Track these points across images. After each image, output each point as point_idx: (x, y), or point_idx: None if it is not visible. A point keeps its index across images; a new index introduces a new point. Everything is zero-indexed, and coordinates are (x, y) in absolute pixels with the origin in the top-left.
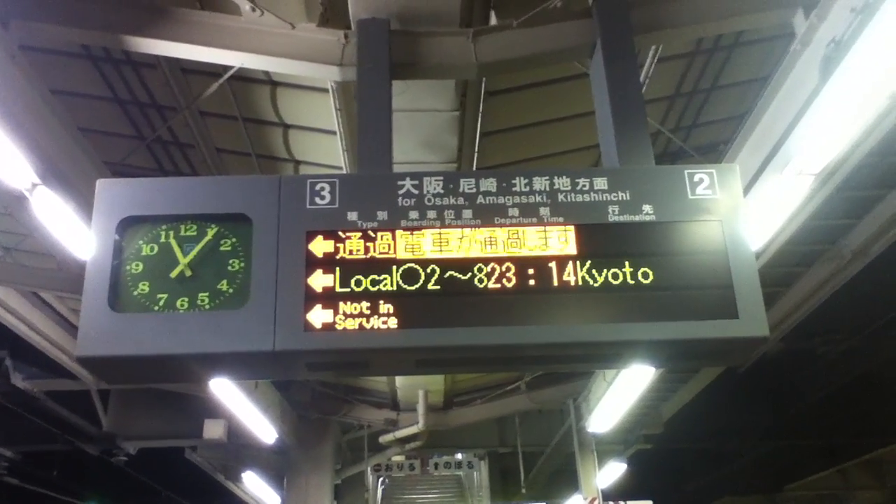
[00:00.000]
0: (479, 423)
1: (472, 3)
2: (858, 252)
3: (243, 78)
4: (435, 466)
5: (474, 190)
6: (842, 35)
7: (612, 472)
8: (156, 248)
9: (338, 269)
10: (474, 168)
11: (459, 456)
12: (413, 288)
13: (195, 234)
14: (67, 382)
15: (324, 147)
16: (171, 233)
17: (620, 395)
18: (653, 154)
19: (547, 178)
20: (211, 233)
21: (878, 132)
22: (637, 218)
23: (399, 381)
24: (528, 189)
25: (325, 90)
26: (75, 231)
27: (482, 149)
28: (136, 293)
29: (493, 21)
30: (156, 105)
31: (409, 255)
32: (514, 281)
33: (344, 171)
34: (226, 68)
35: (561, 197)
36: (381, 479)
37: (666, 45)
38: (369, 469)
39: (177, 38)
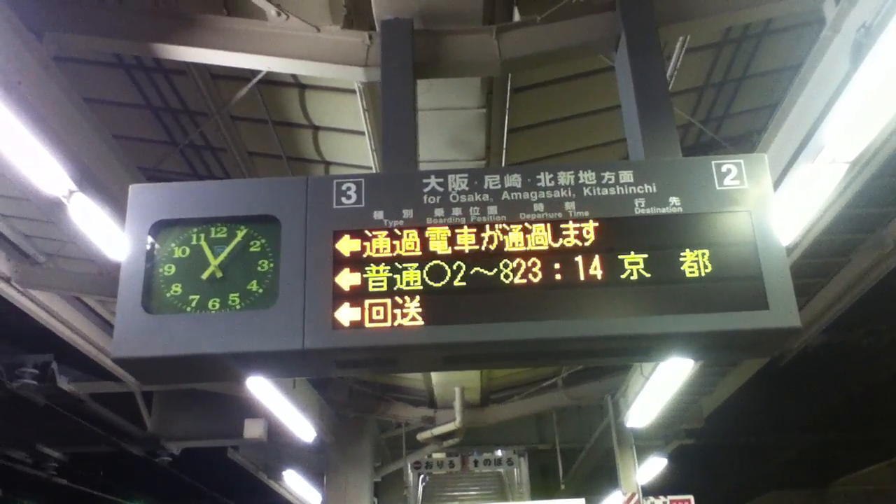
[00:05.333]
0: (517, 420)
1: (494, 0)
2: None
3: (272, 82)
4: (475, 463)
5: (499, 186)
6: (872, 20)
7: (653, 467)
8: (187, 251)
9: (365, 267)
10: (503, 164)
11: (499, 453)
12: (439, 285)
13: (225, 235)
14: (111, 385)
15: (353, 147)
16: (202, 235)
17: (658, 389)
18: (679, 146)
19: (572, 172)
20: (240, 234)
21: None
22: (664, 210)
23: (435, 378)
24: (553, 184)
25: (353, 91)
26: (112, 235)
27: (510, 145)
28: (168, 295)
29: (517, 17)
30: (188, 111)
31: (435, 252)
32: (539, 276)
33: (373, 171)
34: (254, 73)
35: (586, 191)
36: (421, 477)
37: (693, 35)
38: (409, 466)
39: (205, 45)
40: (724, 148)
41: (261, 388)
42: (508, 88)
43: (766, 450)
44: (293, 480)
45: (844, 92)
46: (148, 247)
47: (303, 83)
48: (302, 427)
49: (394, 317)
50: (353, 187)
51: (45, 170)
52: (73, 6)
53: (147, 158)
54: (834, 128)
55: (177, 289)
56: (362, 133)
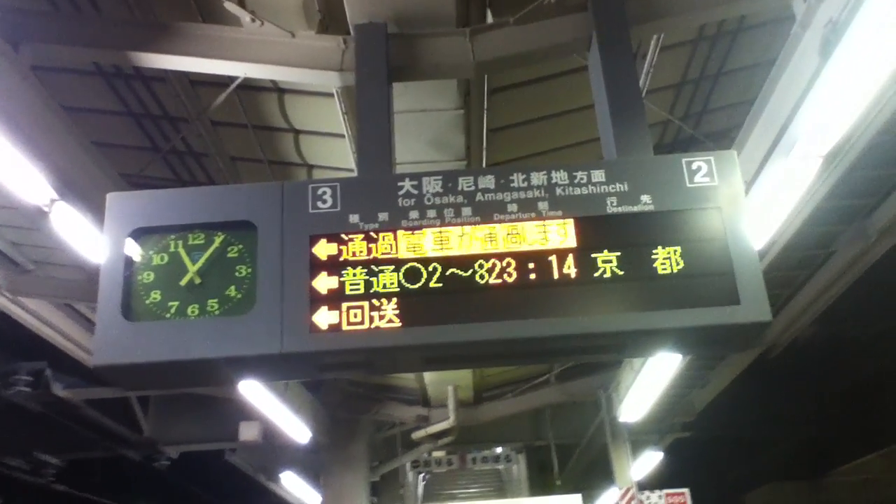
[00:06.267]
0: (512, 417)
1: (468, 2)
2: (885, 231)
3: (250, 87)
4: (473, 461)
5: (473, 188)
6: (838, 15)
7: (648, 462)
8: (166, 258)
9: (342, 270)
10: (484, 165)
11: (498, 450)
12: (416, 287)
13: (203, 242)
14: (106, 390)
15: (334, 150)
16: (180, 242)
17: (648, 384)
18: (651, 145)
19: (545, 172)
20: (218, 241)
21: (887, 110)
22: (636, 208)
23: (428, 377)
24: (526, 185)
25: (331, 95)
26: (96, 243)
27: (491, 145)
28: (148, 302)
29: (490, 19)
30: (168, 117)
31: (410, 255)
32: (514, 276)
33: (355, 173)
34: (232, 78)
35: (559, 191)
36: (421, 475)
37: (668, 33)
38: (407, 466)
39: (181, 52)
40: (704, 144)
41: (253, 391)
42: (486, 89)
43: (762, 442)
44: (291, 482)
45: (814, 87)
46: (126, 254)
47: (281, 87)
48: (296, 429)
49: (371, 319)
50: (329, 191)
51: (25, 179)
52: (49, 16)
53: (130, 165)
54: (806, 123)
55: (156, 296)
56: (342, 136)
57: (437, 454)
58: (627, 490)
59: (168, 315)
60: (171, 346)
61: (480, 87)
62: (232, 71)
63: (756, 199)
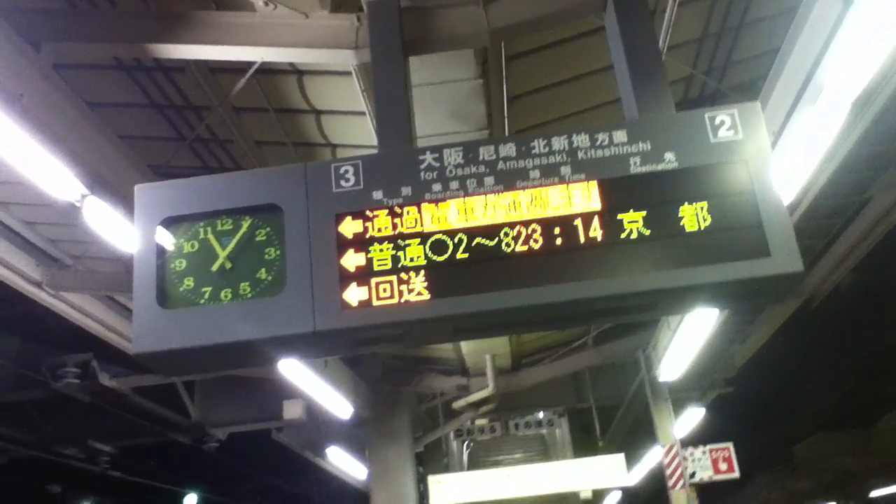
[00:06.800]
0: (553, 382)
1: None
2: None
3: (269, 71)
4: (516, 427)
5: (494, 157)
6: None
7: (691, 419)
8: (196, 245)
9: (368, 247)
10: (506, 133)
11: (540, 415)
12: (442, 258)
13: (231, 227)
14: (152, 377)
15: (356, 128)
16: (209, 229)
17: (685, 342)
18: (673, 102)
19: (565, 137)
20: (245, 225)
21: None
22: (660, 167)
23: (465, 347)
24: (547, 150)
25: (349, 73)
26: (129, 234)
27: (512, 113)
28: (182, 289)
29: None
30: (191, 106)
31: (435, 227)
32: (540, 242)
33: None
34: (250, 64)
35: (581, 154)
36: (465, 444)
37: None
38: (451, 435)
39: (198, 41)
40: (729, 97)
41: (294, 370)
42: (503, 57)
43: (807, 394)
44: (338, 457)
45: (839, 31)
46: (157, 244)
47: (300, 69)
48: (338, 404)
49: (400, 293)
50: (351, 170)
51: (55, 177)
52: (67, 15)
53: (157, 156)
54: (832, 68)
55: (189, 282)
56: (363, 113)
57: (480, 422)
58: (671, 447)
59: (202, 301)
60: (207, 330)
61: (498, 55)
62: (249, 56)
63: (785, 149)
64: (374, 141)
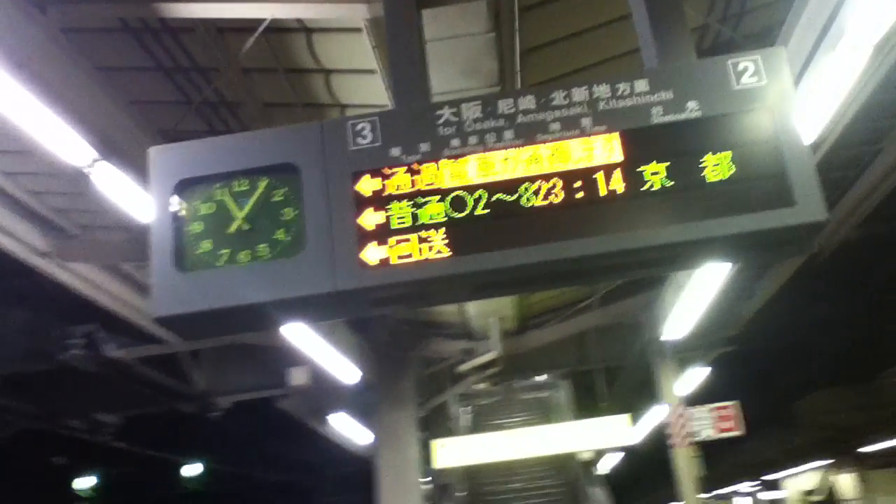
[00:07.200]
0: (557, 344)
1: None
2: None
3: (278, 29)
4: (519, 390)
5: (513, 110)
6: None
7: (695, 377)
8: (213, 207)
9: (387, 205)
10: (518, 88)
11: (542, 378)
12: (462, 215)
13: (248, 188)
14: (156, 347)
15: (366, 87)
16: (225, 190)
17: (693, 299)
18: (693, 49)
19: (586, 87)
20: (262, 185)
21: None
22: (683, 116)
23: (471, 310)
24: (567, 102)
25: (360, 29)
26: (139, 199)
27: (526, 67)
28: (199, 252)
29: None
30: (199, 68)
31: (455, 183)
32: (561, 196)
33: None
34: (258, 22)
35: (602, 105)
36: (468, 408)
37: None
38: (452, 399)
39: None
40: (744, 46)
41: (300, 336)
42: (516, 9)
43: (810, 350)
44: (344, 422)
45: None
46: (173, 207)
47: (309, 27)
48: (345, 370)
49: (420, 251)
50: (368, 126)
51: (65, 142)
52: None
53: (165, 120)
54: (853, 12)
55: (206, 245)
56: (374, 71)
57: (482, 386)
58: (675, 406)
59: (220, 263)
60: (226, 293)
61: (510, 7)
62: (258, 13)
63: (802, 97)
64: (384, 100)
